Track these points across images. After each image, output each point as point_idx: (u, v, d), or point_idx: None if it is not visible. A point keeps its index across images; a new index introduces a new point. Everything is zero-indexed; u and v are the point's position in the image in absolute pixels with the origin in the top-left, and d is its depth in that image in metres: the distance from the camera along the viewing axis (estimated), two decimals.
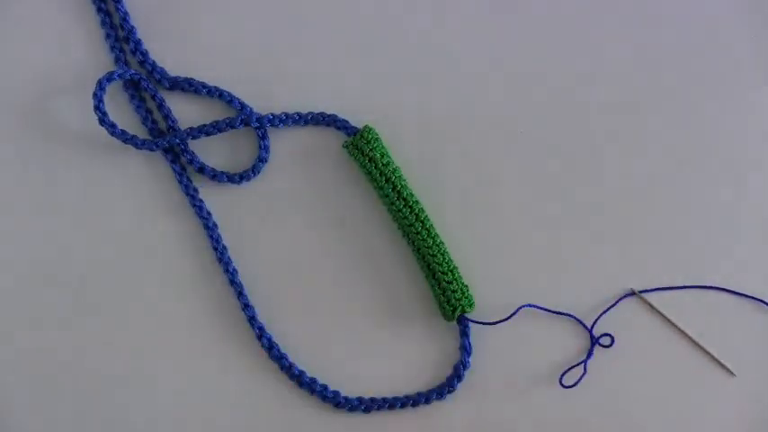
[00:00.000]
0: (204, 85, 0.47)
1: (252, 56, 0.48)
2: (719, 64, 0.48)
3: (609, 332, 0.45)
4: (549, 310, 0.44)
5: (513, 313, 0.44)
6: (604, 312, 0.44)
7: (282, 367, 0.45)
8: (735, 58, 0.48)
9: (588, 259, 0.45)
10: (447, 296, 0.44)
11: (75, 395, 0.45)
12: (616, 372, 0.45)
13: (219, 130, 0.47)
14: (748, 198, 0.46)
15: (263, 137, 0.47)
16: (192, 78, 0.48)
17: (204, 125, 0.47)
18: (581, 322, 0.45)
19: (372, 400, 0.45)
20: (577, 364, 0.45)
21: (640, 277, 0.45)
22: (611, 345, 0.45)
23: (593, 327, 0.44)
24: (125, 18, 0.48)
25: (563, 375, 0.44)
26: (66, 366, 0.46)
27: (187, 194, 0.47)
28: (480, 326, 0.45)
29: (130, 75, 0.47)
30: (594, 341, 0.44)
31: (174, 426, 0.45)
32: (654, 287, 0.45)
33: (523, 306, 0.44)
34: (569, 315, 0.45)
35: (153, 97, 0.48)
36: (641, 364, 0.45)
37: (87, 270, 0.46)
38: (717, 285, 0.45)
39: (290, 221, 0.47)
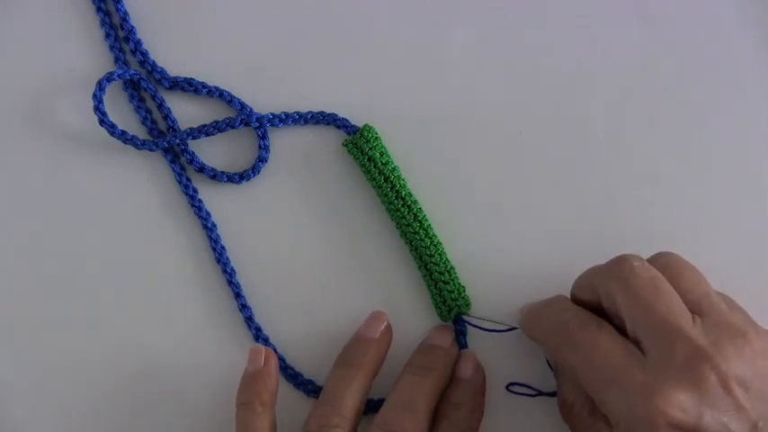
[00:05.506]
0: (204, 85, 0.47)
1: (252, 56, 0.48)
2: (720, 64, 0.47)
3: None
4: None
5: (511, 328, 0.44)
6: None
7: (280, 368, 0.45)
8: (735, 58, 0.47)
9: (588, 260, 0.44)
10: (443, 296, 0.44)
11: (73, 395, 0.45)
12: None
13: (219, 130, 0.47)
14: (750, 200, 0.46)
15: (263, 137, 0.47)
16: (192, 78, 0.48)
17: (204, 125, 0.47)
18: None
19: (370, 400, 0.44)
20: None
21: None
22: None
23: None
24: (125, 18, 0.48)
25: None
26: (64, 366, 0.46)
27: (187, 194, 0.47)
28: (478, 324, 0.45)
29: (130, 75, 0.47)
30: None
31: (172, 426, 0.45)
32: None
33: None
34: None
35: (153, 97, 0.48)
36: None
37: (86, 270, 0.47)
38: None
39: (290, 221, 0.47)
